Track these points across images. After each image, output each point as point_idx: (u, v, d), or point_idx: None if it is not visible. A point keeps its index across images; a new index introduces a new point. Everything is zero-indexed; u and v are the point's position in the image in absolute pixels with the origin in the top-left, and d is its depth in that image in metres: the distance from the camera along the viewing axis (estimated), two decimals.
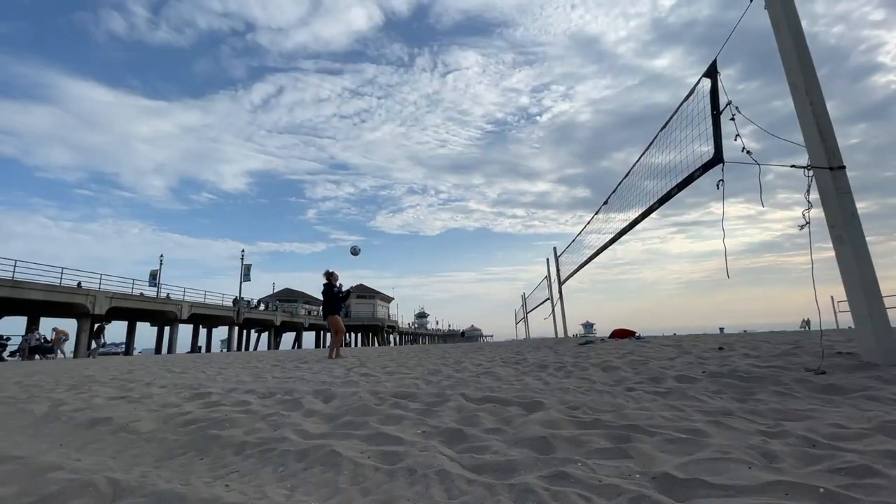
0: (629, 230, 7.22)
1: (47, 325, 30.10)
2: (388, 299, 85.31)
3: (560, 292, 18.77)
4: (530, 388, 3.73)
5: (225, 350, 49.01)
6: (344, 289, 11.29)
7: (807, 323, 36.79)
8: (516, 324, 38.60)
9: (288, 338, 66.56)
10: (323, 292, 11.04)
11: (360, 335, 73.73)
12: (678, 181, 4.93)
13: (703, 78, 4.50)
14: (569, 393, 3.50)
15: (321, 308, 11.29)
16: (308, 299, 72.36)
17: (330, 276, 11.11)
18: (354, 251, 11.68)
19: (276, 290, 70.81)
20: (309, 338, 63.60)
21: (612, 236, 8.67)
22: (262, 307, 53.75)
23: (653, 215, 6.06)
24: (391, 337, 79.66)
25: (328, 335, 13.76)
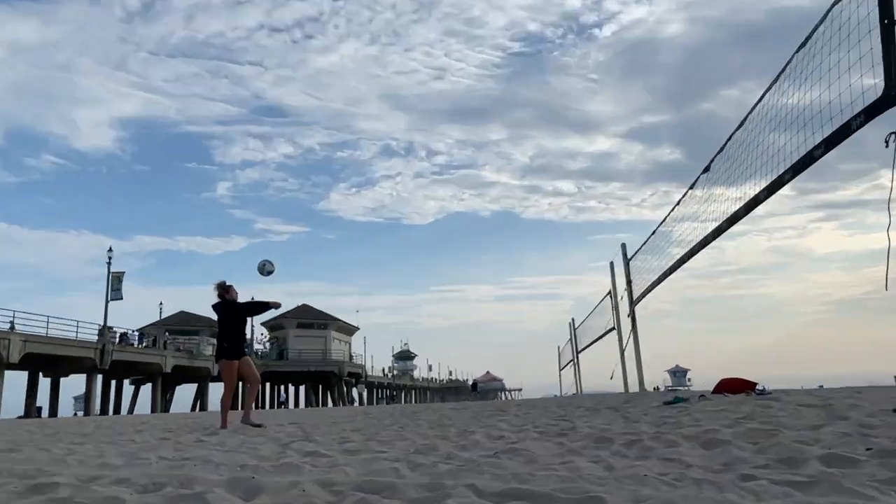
0: (744, 216, 5.41)
1: None
2: (351, 330, 57.82)
3: (632, 318, 11.88)
4: (583, 475, 2.44)
5: (81, 413, 34.66)
6: (253, 309, 7.79)
7: None
8: (560, 370, 27.34)
9: (184, 392, 44.80)
10: (218, 319, 7.16)
11: (303, 388, 51.10)
12: (825, 135, 3.67)
13: None
14: (647, 484, 2.26)
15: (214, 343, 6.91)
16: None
17: (226, 291, 7.19)
18: (264, 269, 7.84)
19: (165, 316, 47.90)
20: (219, 391, 47.89)
21: (716, 225, 6.39)
22: (142, 343, 38.48)
23: (784, 191, 4.51)
24: (355, 391, 55.18)
25: (241, 388, 8.50)
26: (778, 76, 4.62)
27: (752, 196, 5.19)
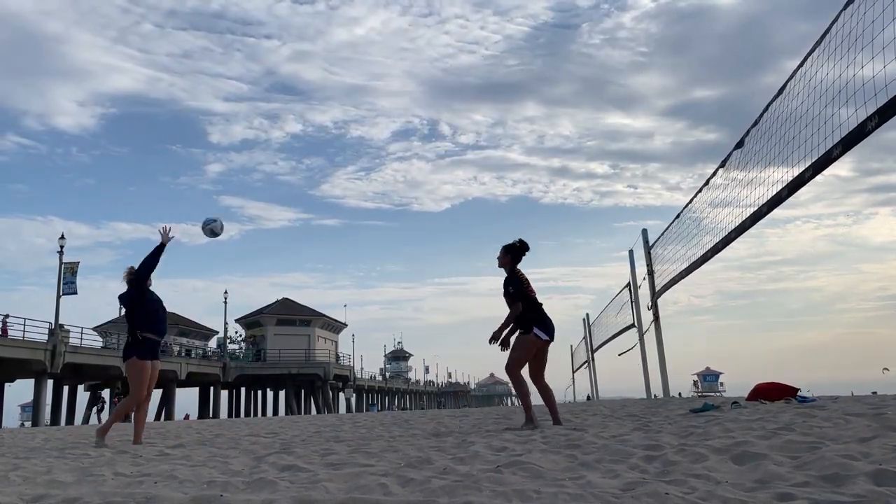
0: (787, 198, 4.78)
1: None
2: (338, 327, 51.44)
3: (654, 312, 10.45)
4: (596, 493, 2.13)
5: (28, 424, 31.68)
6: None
7: None
8: (573, 371, 24.63)
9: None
10: (126, 302, 5.88)
11: (282, 394, 44.39)
12: (880, 105, 3.18)
13: None
14: None
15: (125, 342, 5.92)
16: (186, 327, 42.18)
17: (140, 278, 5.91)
18: (211, 229, 6.18)
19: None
20: (188, 398, 38.99)
21: (754, 210, 5.58)
22: (99, 344, 33.48)
23: (837, 171, 4.13)
24: (342, 396, 48.68)
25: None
26: (823, 35, 4.18)
27: (794, 176, 4.64)
